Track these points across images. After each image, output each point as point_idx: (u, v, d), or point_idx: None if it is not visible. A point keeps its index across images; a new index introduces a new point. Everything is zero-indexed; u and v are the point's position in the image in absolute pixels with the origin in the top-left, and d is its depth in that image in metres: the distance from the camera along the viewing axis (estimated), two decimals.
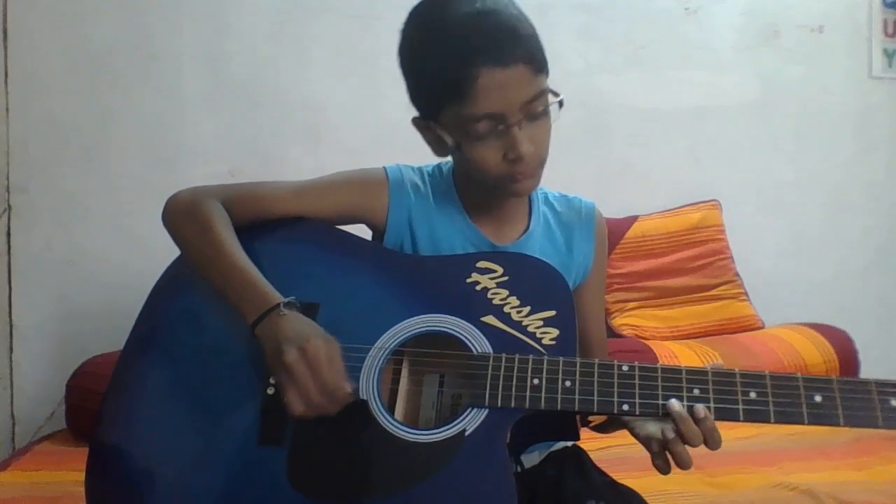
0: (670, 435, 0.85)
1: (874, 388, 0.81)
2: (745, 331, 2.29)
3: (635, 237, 2.34)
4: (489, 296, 0.96)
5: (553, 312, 0.94)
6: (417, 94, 1.00)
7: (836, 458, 1.57)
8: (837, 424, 0.81)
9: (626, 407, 0.85)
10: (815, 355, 2.02)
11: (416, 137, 1.05)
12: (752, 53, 2.61)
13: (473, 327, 0.93)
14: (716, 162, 2.59)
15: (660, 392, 0.85)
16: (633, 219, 2.38)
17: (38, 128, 2.16)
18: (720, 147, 2.59)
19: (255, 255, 0.98)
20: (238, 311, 0.92)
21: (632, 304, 2.32)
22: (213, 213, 1.00)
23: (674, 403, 0.84)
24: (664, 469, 0.88)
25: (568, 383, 0.87)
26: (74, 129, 2.18)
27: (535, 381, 0.88)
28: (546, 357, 0.90)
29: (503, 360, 0.90)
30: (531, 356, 0.90)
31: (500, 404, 0.87)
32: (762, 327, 2.32)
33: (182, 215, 1.03)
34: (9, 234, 2.15)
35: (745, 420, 0.83)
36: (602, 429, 1.13)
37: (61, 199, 2.17)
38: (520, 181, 0.98)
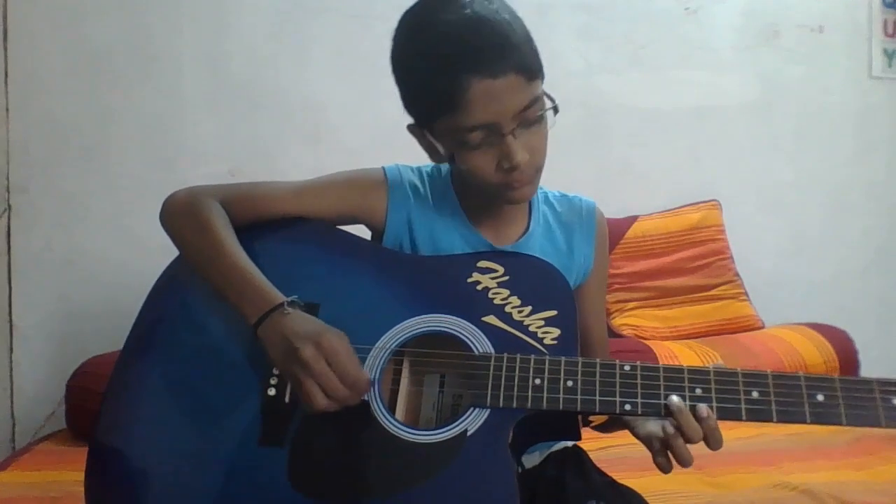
0: (671, 431, 0.85)
1: (876, 387, 0.81)
2: (745, 331, 2.29)
3: (635, 237, 2.34)
4: (490, 296, 0.96)
5: (554, 312, 0.94)
6: (410, 103, 0.99)
7: (836, 458, 1.57)
8: (840, 424, 0.81)
9: (628, 407, 0.85)
10: (816, 355, 2.02)
11: None
12: (752, 53, 2.61)
13: (474, 327, 0.93)
14: (716, 162, 2.59)
15: (662, 392, 0.85)
16: (633, 219, 2.38)
17: (38, 128, 2.16)
18: (720, 147, 2.59)
19: (254, 255, 0.98)
20: (239, 311, 0.92)
21: (632, 304, 2.32)
22: (212, 213, 1.00)
23: (674, 399, 0.84)
24: (666, 467, 0.88)
25: (570, 383, 0.87)
26: (74, 129, 2.18)
27: (537, 381, 0.88)
28: (548, 357, 0.89)
29: (505, 360, 0.90)
30: (533, 356, 0.90)
31: (501, 404, 0.87)
32: (762, 327, 2.33)
33: (180, 216, 1.02)
34: (9, 234, 2.14)
35: (748, 419, 0.83)
36: (603, 429, 1.13)
37: (61, 199, 2.17)
38: (516, 189, 0.98)
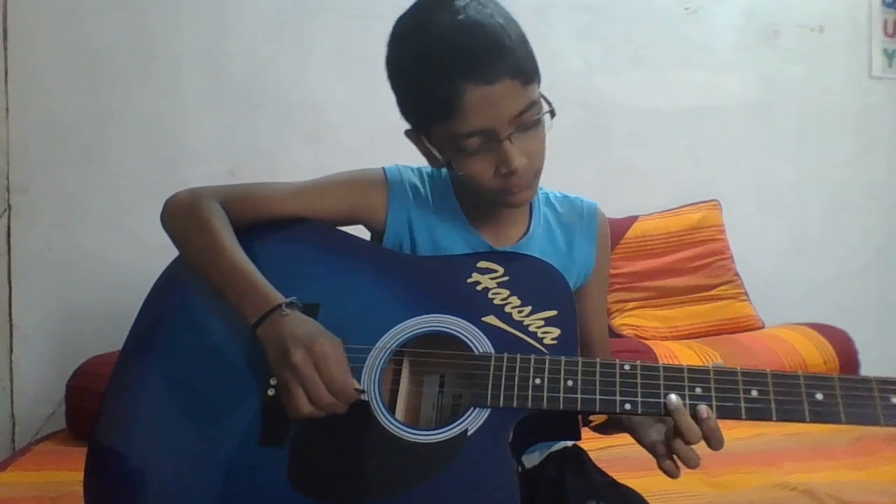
0: (671, 433, 0.85)
1: (875, 386, 0.81)
2: (745, 331, 2.29)
3: (635, 237, 2.34)
4: (490, 296, 0.96)
5: (554, 312, 0.94)
6: (406, 109, 0.99)
7: (836, 458, 1.57)
8: (839, 422, 0.81)
9: (628, 406, 0.85)
10: (816, 355, 2.02)
11: None
12: (752, 53, 2.61)
13: (474, 327, 0.93)
14: (716, 162, 2.59)
15: (662, 391, 0.85)
16: (633, 219, 2.38)
17: (38, 128, 2.16)
18: (720, 147, 2.59)
19: (254, 255, 0.98)
20: (238, 311, 0.92)
21: (632, 304, 2.32)
22: (213, 214, 1.00)
23: (672, 398, 0.84)
24: (673, 472, 0.88)
25: (570, 383, 0.87)
26: (74, 129, 2.18)
27: (537, 381, 0.87)
28: (548, 357, 0.89)
29: (505, 360, 0.90)
30: (533, 356, 0.89)
31: (501, 404, 0.87)
32: (762, 327, 2.33)
33: (181, 217, 1.02)
34: (9, 234, 2.14)
35: (748, 418, 0.83)
36: (602, 429, 1.13)
37: (61, 199, 2.17)
38: (515, 193, 0.97)
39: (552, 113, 0.96)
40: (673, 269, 2.34)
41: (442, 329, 0.94)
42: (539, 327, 0.93)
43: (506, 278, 0.97)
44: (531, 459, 1.08)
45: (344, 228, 1.08)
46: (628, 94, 2.51)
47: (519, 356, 0.90)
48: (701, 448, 0.85)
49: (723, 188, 2.51)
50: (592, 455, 1.13)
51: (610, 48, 2.52)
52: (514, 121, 0.91)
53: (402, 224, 1.07)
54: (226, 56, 2.27)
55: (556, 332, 0.92)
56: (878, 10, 2.67)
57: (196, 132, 2.25)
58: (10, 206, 2.14)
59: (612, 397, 0.86)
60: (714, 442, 0.84)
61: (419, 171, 1.12)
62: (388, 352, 0.93)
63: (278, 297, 0.91)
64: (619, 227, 2.32)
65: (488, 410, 0.87)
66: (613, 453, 1.47)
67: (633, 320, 2.29)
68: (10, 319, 2.15)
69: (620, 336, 2.22)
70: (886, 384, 0.81)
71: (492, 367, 0.89)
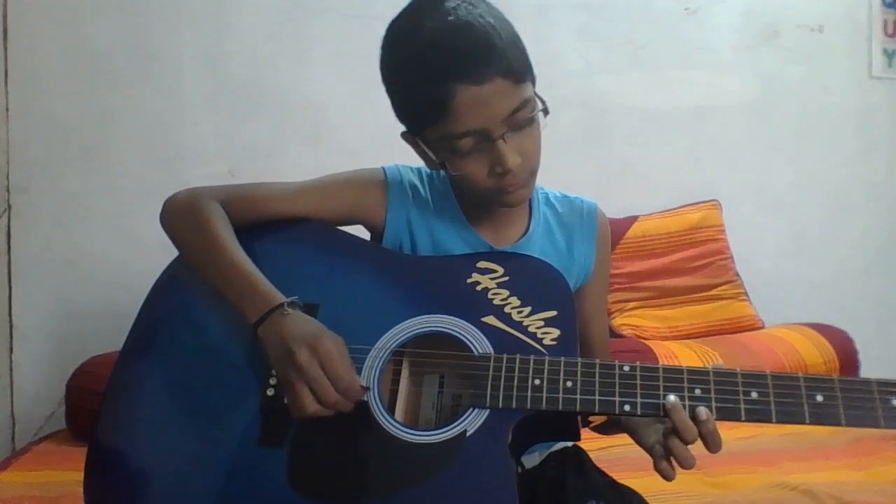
0: (668, 433, 0.85)
1: (875, 388, 0.81)
2: (745, 331, 2.29)
3: (635, 237, 2.34)
4: (490, 296, 0.96)
5: (554, 313, 0.94)
6: (400, 111, 1.00)
7: (836, 458, 1.57)
8: (839, 424, 0.81)
9: (627, 407, 0.85)
10: (816, 355, 2.02)
11: None
12: (752, 53, 2.61)
13: (474, 328, 0.93)
14: (716, 162, 2.59)
15: (661, 392, 0.85)
16: (633, 219, 2.38)
17: (38, 128, 2.16)
18: (720, 147, 2.59)
19: (254, 255, 0.98)
20: (239, 311, 0.92)
21: (632, 304, 2.32)
22: (212, 214, 1.00)
23: (670, 398, 0.84)
24: (668, 473, 0.88)
25: (569, 383, 0.87)
26: (74, 130, 2.18)
27: (537, 382, 0.87)
28: (547, 357, 0.89)
29: (504, 361, 0.90)
30: (532, 356, 0.89)
31: (501, 405, 0.87)
32: (762, 327, 2.32)
33: (180, 217, 1.02)
34: (9, 234, 2.14)
35: (747, 420, 0.83)
36: (602, 430, 1.13)
37: (61, 199, 2.17)
38: (511, 193, 0.97)
39: (545, 111, 0.96)
40: (673, 269, 2.34)
41: (441, 329, 0.94)
42: (539, 328, 0.93)
43: (505, 278, 0.97)
44: (531, 460, 1.08)
45: (344, 228, 1.08)
46: (628, 94, 2.51)
47: (518, 357, 0.90)
48: (700, 448, 0.85)
49: (723, 188, 2.51)
50: (592, 455, 1.13)
51: (610, 48, 2.52)
52: (506, 120, 0.92)
53: (401, 224, 1.07)
54: (226, 56, 2.27)
55: (555, 332, 0.92)
56: (878, 10, 2.66)
57: (196, 132, 2.25)
58: (10, 206, 2.14)
59: (612, 398, 0.86)
60: (712, 444, 0.84)
61: (419, 170, 1.12)
62: (388, 352, 0.93)
63: (279, 297, 0.91)
64: (619, 227, 2.32)
65: (487, 411, 0.87)
66: (613, 453, 1.47)
67: (633, 320, 2.29)
68: (10, 319, 2.15)
69: (620, 336, 2.22)
70: (887, 386, 0.81)
71: (491, 368, 0.89)
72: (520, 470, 1.03)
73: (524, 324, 0.93)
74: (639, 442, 0.97)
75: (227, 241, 0.98)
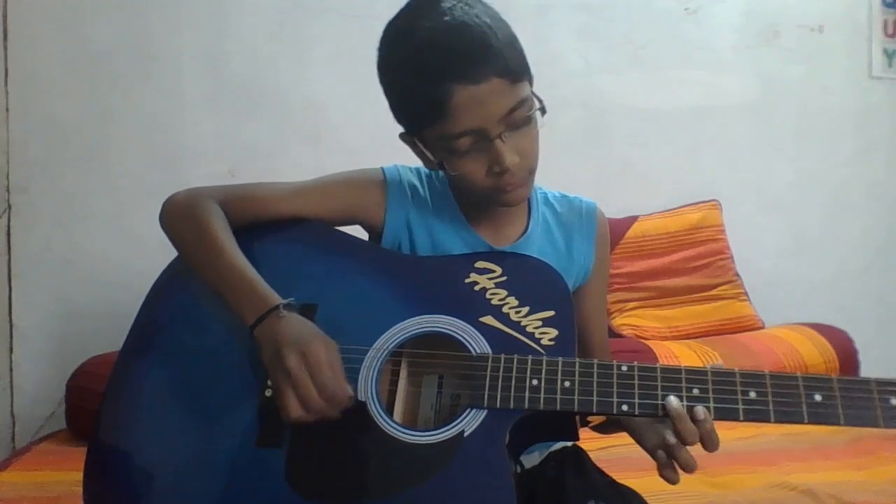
0: (672, 440, 0.85)
1: (874, 387, 0.81)
2: (745, 331, 2.29)
3: (635, 237, 2.34)
4: (488, 296, 0.96)
5: (552, 312, 0.94)
6: (397, 112, 1.00)
7: (836, 458, 1.57)
8: (838, 424, 0.81)
9: (625, 407, 0.85)
10: (815, 355, 2.02)
11: None
12: (752, 53, 2.61)
13: (472, 328, 0.93)
14: (716, 162, 2.59)
15: (659, 392, 0.85)
16: (633, 219, 2.38)
17: (38, 128, 2.16)
18: (720, 147, 2.59)
19: (253, 256, 0.98)
20: (236, 312, 0.92)
21: (632, 304, 2.32)
22: (211, 215, 1.00)
23: (672, 400, 0.84)
24: (673, 479, 0.88)
25: (567, 384, 0.87)
26: (74, 130, 2.18)
27: (534, 382, 0.87)
28: (545, 357, 0.89)
29: (502, 361, 0.89)
30: (530, 356, 0.89)
31: (498, 405, 0.87)
32: (762, 327, 2.32)
33: (179, 217, 1.02)
34: (9, 234, 2.15)
35: (745, 419, 0.83)
36: (601, 429, 1.13)
37: (61, 199, 2.17)
38: (509, 192, 0.97)
39: (543, 110, 0.96)
40: (673, 269, 2.34)
41: (439, 329, 0.94)
42: (537, 328, 0.93)
43: (504, 278, 0.97)
44: (531, 459, 1.08)
45: (342, 228, 1.08)
46: (628, 94, 2.51)
47: (516, 357, 0.90)
48: (699, 448, 0.85)
49: (723, 188, 2.51)
50: (592, 455, 1.13)
51: (610, 48, 2.52)
52: (503, 119, 0.92)
53: (400, 224, 1.07)
54: (226, 56, 2.27)
55: (553, 332, 0.92)
56: (878, 10, 2.66)
57: (196, 132, 2.25)
58: (10, 206, 2.15)
59: (610, 399, 0.86)
60: (709, 443, 0.84)
61: (418, 171, 1.12)
62: (386, 352, 0.93)
63: (276, 298, 0.91)
64: (619, 227, 2.32)
65: (485, 411, 0.87)
66: (613, 453, 1.47)
67: (633, 320, 2.29)
68: (10, 319, 2.15)
69: (620, 336, 2.22)
70: (886, 385, 0.81)
71: (488, 368, 0.89)
72: (519, 470, 1.03)
73: (522, 324, 0.93)
74: (639, 442, 0.97)
75: (225, 243, 0.97)
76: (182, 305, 1.03)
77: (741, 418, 0.83)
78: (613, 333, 2.22)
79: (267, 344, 0.88)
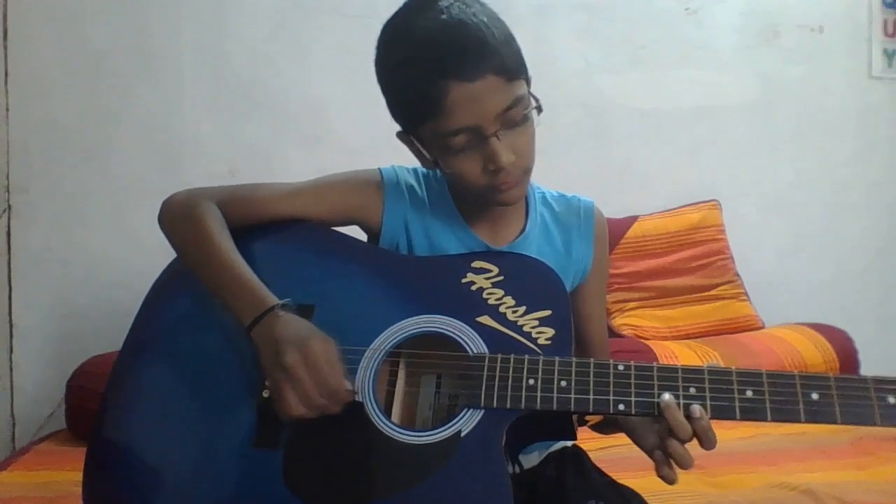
0: (665, 434, 0.85)
1: (871, 386, 0.81)
2: (745, 331, 2.28)
3: (635, 237, 2.34)
4: (484, 296, 0.96)
5: (548, 312, 0.94)
6: (394, 110, 1.00)
7: (836, 458, 1.57)
8: (835, 422, 0.80)
9: (622, 406, 0.85)
10: (815, 355, 2.02)
11: None
12: (752, 53, 2.61)
13: (469, 328, 0.93)
14: (716, 162, 2.59)
15: (655, 391, 0.85)
16: (633, 219, 2.38)
17: (38, 128, 2.16)
18: (720, 147, 2.59)
19: (250, 256, 0.98)
20: (234, 313, 0.92)
21: (632, 304, 2.32)
22: (209, 216, 1.00)
23: (665, 395, 0.84)
24: (671, 478, 0.88)
25: (563, 383, 0.87)
26: (74, 130, 2.18)
27: (531, 382, 0.87)
28: (541, 357, 0.89)
29: (499, 361, 0.89)
30: (527, 356, 0.89)
31: (495, 405, 0.87)
32: (762, 327, 2.32)
33: (178, 218, 1.03)
34: (9, 234, 2.15)
35: (742, 418, 0.82)
36: (599, 429, 1.13)
37: (61, 199, 2.17)
38: (504, 191, 0.97)
39: (539, 109, 0.96)
40: (673, 269, 2.34)
41: (436, 330, 0.94)
42: (533, 327, 0.93)
43: (500, 278, 0.97)
44: (530, 460, 1.08)
45: (340, 229, 1.08)
46: (628, 94, 2.51)
47: (512, 357, 0.90)
48: (699, 447, 0.85)
49: (723, 188, 2.51)
50: (592, 455, 1.13)
51: (610, 48, 2.52)
52: (499, 117, 0.92)
53: (398, 224, 1.07)
54: (226, 56, 2.27)
55: (550, 332, 0.92)
56: (878, 10, 2.66)
57: (196, 132, 2.25)
58: (10, 206, 2.15)
59: (606, 398, 0.85)
60: (706, 442, 0.84)
61: (415, 171, 1.12)
62: (384, 353, 0.93)
63: (272, 299, 0.91)
64: (619, 227, 2.32)
65: (482, 411, 0.87)
66: (613, 453, 1.47)
67: (633, 320, 2.29)
68: (10, 319, 2.15)
69: (620, 336, 2.22)
70: (883, 384, 0.81)
71: (485, 368, 0.89)
72: (517, 470, 1.03)
73: (519, 323, 0.93)
74: (637, 442, 0.97)
75: (223, 244, 0.98)
76: (181, 306, 1.03)
77: (738, 417, 0.83)
78: (613, 333, 2.22)
79: (264, 344, 0.88)
